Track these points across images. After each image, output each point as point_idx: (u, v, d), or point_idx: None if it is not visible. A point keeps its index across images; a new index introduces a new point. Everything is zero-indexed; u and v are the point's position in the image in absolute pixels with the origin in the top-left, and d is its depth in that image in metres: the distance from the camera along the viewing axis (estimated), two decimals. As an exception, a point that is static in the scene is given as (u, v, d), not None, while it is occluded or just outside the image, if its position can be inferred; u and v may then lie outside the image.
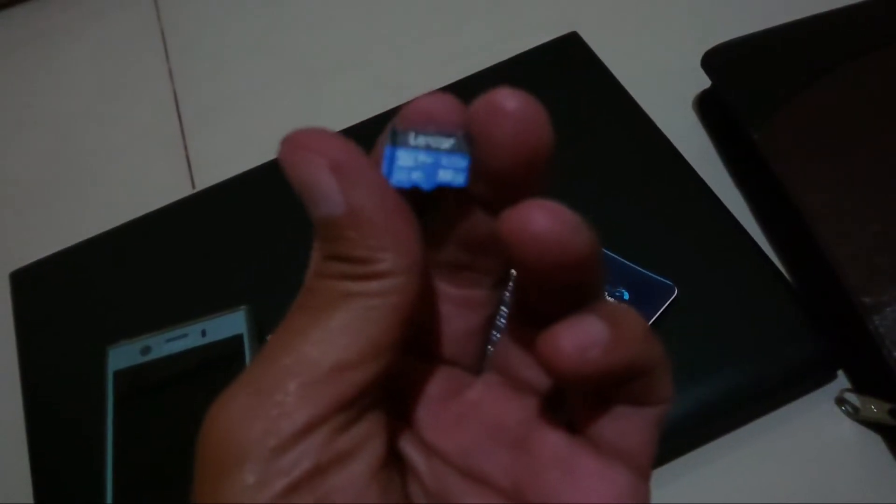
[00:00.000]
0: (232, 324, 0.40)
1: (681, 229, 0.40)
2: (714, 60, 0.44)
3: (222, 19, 0.60)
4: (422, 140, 0.16)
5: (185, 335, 0.40)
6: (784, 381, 0.36)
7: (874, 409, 0.34)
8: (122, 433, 0.38)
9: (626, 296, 0.37)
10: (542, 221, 0.14)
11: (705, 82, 0.46)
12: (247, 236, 0.44)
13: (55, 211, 0.51)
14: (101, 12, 0.62)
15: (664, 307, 0.37)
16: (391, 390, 0.17)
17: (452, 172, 0.16)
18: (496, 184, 0.16)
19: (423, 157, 0.16)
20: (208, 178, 0.49)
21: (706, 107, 0.47)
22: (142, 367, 0.39)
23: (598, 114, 0.45)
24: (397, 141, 0.16)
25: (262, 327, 0.40)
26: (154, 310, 0.42)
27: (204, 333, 0.40)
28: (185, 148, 0.53)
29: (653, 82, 0.47)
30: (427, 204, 0.17)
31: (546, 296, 0.17)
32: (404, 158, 0.16)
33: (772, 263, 0.39)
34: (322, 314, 0.15)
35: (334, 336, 0.15)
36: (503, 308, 0.19)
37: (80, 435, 0.39)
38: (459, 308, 0.19)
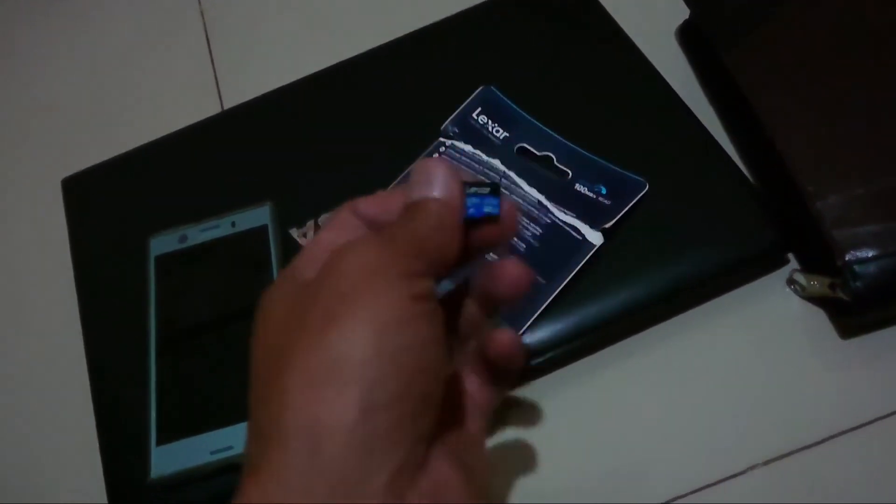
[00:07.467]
0: (258, 216, 0.45)
1: (657, 136, 0.45)
2: (692, -10, 0.48)
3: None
4: (472, 189, 0.27)
5: (217, 226, 0.45)
6: (743, 263, 0.41)
7: (817, 284, 0.39)
8: (162, 307, 0.43)
9: (604, 190, 0.42)
10: (505, 342, 0.29)
11: (686, 13, 0.50)
12: (266, 147, 0.50)
13: (100, 129, 0.57)
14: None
15: (636, 199, 0.42)
16: None
17: (491, 208, 0.26)
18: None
19: (475, 200, 0.26)
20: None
21: (687, 36, 0.52)
22: (180, 253, 0.45)
23: (590, 44, 0.50)
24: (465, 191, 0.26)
25: (283, 220, 0.45)
26: (186, 211, 0.47)
27: (234, 224, 0.45)
28: (217, 82, 0.58)
29: (640, 14, 0.52)
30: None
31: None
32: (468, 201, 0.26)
33: (734, 164, 0.43)
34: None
35: None
36: None
37: (127, 309, 0.44)
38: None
